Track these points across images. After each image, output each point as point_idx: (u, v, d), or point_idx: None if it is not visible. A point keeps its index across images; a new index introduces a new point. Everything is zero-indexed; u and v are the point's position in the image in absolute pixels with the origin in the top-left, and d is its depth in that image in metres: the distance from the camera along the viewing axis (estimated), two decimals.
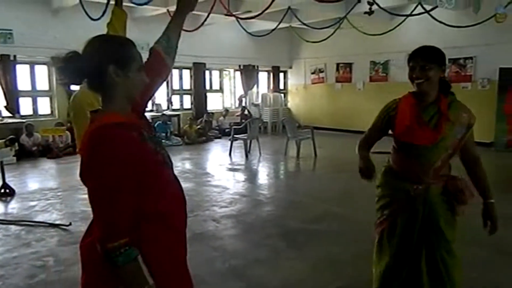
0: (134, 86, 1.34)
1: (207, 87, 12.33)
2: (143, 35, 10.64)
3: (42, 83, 9.76)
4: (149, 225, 1.31)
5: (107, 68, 1.28)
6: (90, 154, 1.25)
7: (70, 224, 4.38)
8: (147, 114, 4.82)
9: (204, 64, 11.72)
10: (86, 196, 4.35)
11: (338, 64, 12.39)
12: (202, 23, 8.92)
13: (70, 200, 5.43)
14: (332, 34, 9.63)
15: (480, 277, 3.19)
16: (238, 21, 8.99)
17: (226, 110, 12.55)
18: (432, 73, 1.97)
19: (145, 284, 1.24)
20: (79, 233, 4.16)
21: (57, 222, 4.50)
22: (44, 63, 9.63)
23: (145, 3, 6.88)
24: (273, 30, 9.66)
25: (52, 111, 9.86)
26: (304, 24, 9.57)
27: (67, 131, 9.18)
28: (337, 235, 4.11)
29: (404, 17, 8.49)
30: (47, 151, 8.69)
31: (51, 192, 5.84)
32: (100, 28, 9.62)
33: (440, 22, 8.08)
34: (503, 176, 7.29)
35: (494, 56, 9.05)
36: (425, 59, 1.99)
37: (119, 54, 1.31)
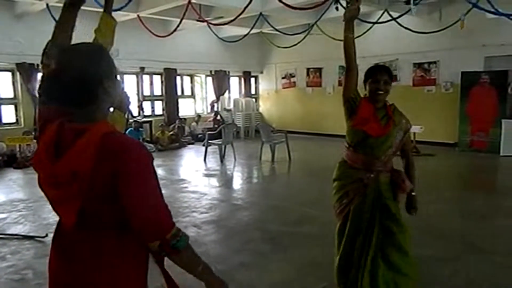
0: (117, 91, 1.33)
1: (179, 92, 12.24)
2: (116, 41, 10.51)
3: (7, 91, 9.38)
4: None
5: (102, 80, 1.22)
6: (121, 161, 1.18)
7: (46, 235, 4.23)
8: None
9: (175, 69, 11.63)
10: None
11: (308, 69, 12.62)
12: (175, 30, 8.89)
13: (42, 211, 5.24)
14: (302, 39, 9.82)
15: (451, 274, 3.34)
16: (209, 26, 9.01)
17: (199, 116, 12.49)
18: (389, 87, 2.48)
19: (200, 262, 1.30)
20: None
21: (32, 234, 4.34)
22: (8, 70, 9.27)
23: (118, 9, 6.77)
24: (245, 36, 9.74)
25: (17, 120, 9.49)
26: (276, 29, 9.71)
27: (34, 140, 8.86)
28: (318, 237, 4.19)
29: (371, 24, 8.80)
30: (13, 161, 8.34)
31: (22, 203, 5.63)
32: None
33: (406, 28, 8.43)
34: (467, 175, 7.68)
35: (456, 61, 9.52)
36: (388, 75, 2.48)
37: (107, 64, 1.27)
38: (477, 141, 9.12)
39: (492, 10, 7.03)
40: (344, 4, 5.59)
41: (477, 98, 9.05)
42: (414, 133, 8.98)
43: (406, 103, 9.77)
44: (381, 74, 2.46)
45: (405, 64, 10.51)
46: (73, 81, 1.18)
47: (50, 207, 4.15)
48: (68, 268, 1.27)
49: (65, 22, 1.62)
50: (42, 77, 1.30)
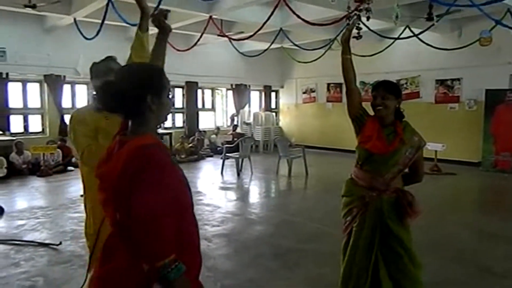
0: (166, 111, 1.45)
1: (199, 105, 12.40)
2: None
3: (34, 101, 9.74)
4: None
5: (145, 97, 1.35)
6: (137, 176, 1.24)
7: (60, 243, 4.33)
8: None
9: (197, 83, 11.82)
10: (77, 215, 4.34)
11: (328, 84, 12.58)
12: (195, 43, 9.06)
13: (60, 219, 5.37)
14: (322, 55, 9.83)
15: None
16: (230, 41, 9.14)
17: (218, 128, 12.60)
18: (389, 102, 2.43)
19: None
20: (69, 252, 4.13)
21: (47, 242, 4.44)
22: (36, 81, 9.64)
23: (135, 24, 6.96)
24: (265, 50, 9.83)
25: (43, 129, 9.82)
26: (295, 45, 9.76)
27: (58, 149, 9.13)
28: (329, 255, 4.10)
29: (393, 40, 8.72)
30: (37, 169, 8.60)
31: (41, 211, 5.78)
32: (93, 46, 9.69)
33: (428, 44, 8.32)
34: (488, 196, 7.42)
35: (480, 78, 9.29)
36: (385, 90, 2.44)
37: (155, 84, 1.39)
38: (501, 161, 8.82)
39: None
40: (364, 20, 5.59)
41: (502, 116, 8.79)
42: (436, 151, 8.77)
43: (429, 120, 9.72)
44: (377, 90, 2.47)
45: (427, 80, 10.33)
46: (116, 93, 1.33)
47: (68, 215, 4.28)
48: (101, 268, 1.38)
49: (157, 50, 1.93)
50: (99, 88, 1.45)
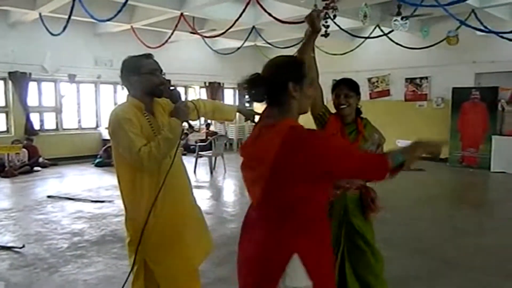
0: (308, 98, 1.56)
1: None
2: (107, 51, 10.60)
3: None
4: None
5: (288, 85, 1.48)
6: (316, 146, 1.42)
7: (24, 246, 4.18)
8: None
9: (169, 80, 11.65)
10: (42, 216, 4.23)
11: None
12: (166, 40, 8.94)
13: (24, 221, 5.18)
14: (295, 53, 9.87)
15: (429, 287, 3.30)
16: (203, 38, 9.06)
17: (191, 127, 12.46)
18: (351, 100, 2.46)
19: None
20: (33, 255, 3.99)
21: (9, 245, 4.27)
22: (0, 78, 9.27)
23: (108, 20, 6.80)
24: (238, 48, 9.80)
25: (8, 128, 9.45)
26: (268, 43, 9.77)
27: (23, 149, 8.82)
28: None
29: (363, 39, 8.87)
30: (1, 170, 8.28)
31: (4, 213, 5.55)
32: (61, 42, 9.42)
33: (397, 43, 8.50)
34: (455, 191, 7.66)
35: (447, 76, 9.58)
36: (348, 88, 2.46)
37: (297, 72, 1.52)
38: (467, 156, 9.13)
39: (481, 27, 7.11)
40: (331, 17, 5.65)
41: (468, 114, 9.09)
42: None
43: (398, 117, 9.95)
44: (340, 88, 2.47)
45: (397, 79, 10.57)
46: (263, 83, 1.50)
47: (32, 217, 4.13)
48: (248, 243, 1.54)
49: (305, 48, 2.03)
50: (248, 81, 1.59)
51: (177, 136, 2.01)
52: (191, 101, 2.31)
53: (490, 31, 7.16)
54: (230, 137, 12.38)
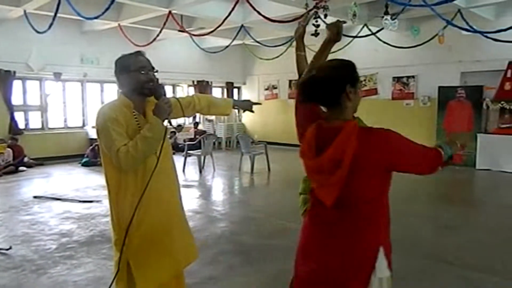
0: (359, 100, 1.64)
1: None
2: (93, 49, 10.46)
3: None
4: None
5: (344, 87, 1.56)
6: (390, 142, 1.55)
7: (10, 248, 4.11)
8: None
9: (157, 79, 11.54)
10: (28, 217, 4.15)
11: (290, 81, 12.71)
12: (154, 39, 8.87)
13: (10, 222, 5.09)
14: (284, 52, 9.91)
15: (415, 286, 3.34)
16: (191, 37, 9.01)
17: (179, 126, 12.41)
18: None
19: None
20: (20, 257, 3.92)
21: None
22: None
23: (96, 17, 6.71)
24: (227, 47, 9.78)
25: None
26: (257, 41, 9.77)
27: (8, 148, 8.67)
28: (291, 250, 4.11)
29: (351, 38, 8.93)
30: None
31: None
32: (46, 40, 9.27)
33: (385, 42, 8.58)
34: (441, 188, 7.77)
35: (433, 75, 9.71)
36: None
37: (352, 75, 1.61)
38: (453, 154, 9.25)
39: (467, 27, 7.23)
40: (323, 17, 5.69)
41: (454, 112, 9.23)
42: None
43: (386, 116, 10.03)
44: None
45: (384, 77, 10.67)
46: (320, 84, 1.57)
47: (19, 218, 4.01)
48: (325, 240, 1.62)
49: (321, 54, 2.03)
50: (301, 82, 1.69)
51: (157, 134, 1.94)
52: (174, 98, 2.24)
53: (475, 31, 7.28)
54: (219, 135, 12.35)
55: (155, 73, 2.11)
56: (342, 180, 1.50)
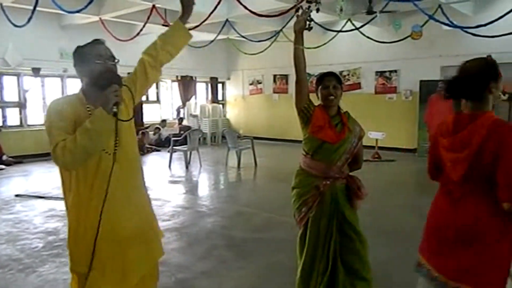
0: (499, 94, 1.85)
1: (143, 98, 11.98)
2: (73, 44, 10.17)
3: None
4: None
5: (489, 83, 1.81)
6: (503, 141, 1.72)
7: None
8: None
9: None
10: (11, 216, 4.08)
11: (275, 76, 12.72)
12: (138, 33, 8.73)
13: None
14: (269, 46, 9.91)
15: (399, 276, 3.36)
16: None
17: (163, 121, 12.29)
18: (339, 92, 2.53)
19: None
20: (6, 256, 3.83)
21: None
22: None
23: (77, 11, 6.56)
24: (212, 41, 9.70)
25: None
26: (242, 36, 9.73)
27: None
28: (282, 242, 4.18)
29: (336, 32, 8.99)
30: None
31: None
32: (24, 34, 9.01)
33: (368, 37, 8.68)
34: (425, 180, 7.91)
35: (415, 70, 9.88)
36: (337, 81, 2.54)
37: (495, 72, 1.83)
38: None
39: (447, 22, 7.38)
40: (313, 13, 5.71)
41: (435, 106, 9.36)
42: (377, 140, 9.22)
43: (369, 110, 10.16)
44: (329, 79, 2.52)
45: (368, 72, 10.80)
46: (468, 83, 1.82)
47: (1, 217, 3.91)
48: (453, 210, 1.87)
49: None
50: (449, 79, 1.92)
51: (98, 126, 1.69)
52: (126, 85, 1.87)
53: (455, 26, 7.43)
54: (203, 131, 12.29)
55: (116, 64, 1.88)
56: (468, 159, 1.77)
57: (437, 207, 2.03)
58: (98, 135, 1.71)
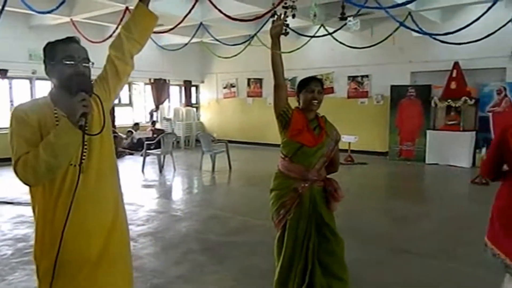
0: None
1: (115, 101, 11.76)
2: (43, 45, 9.89)
3: None
4: None
5: None
6: None
7: None
8: None
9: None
10: None
11: (249, 80, 12.78)
12: (111, 35, 8.58)
13: None
14: (243, 50, 9.95)
15: (373, 277, 3.50)
16: None
17: (136, 124, 12.11)
18: (322, 97, 2.58)
19: None
20: None
21: None
22: None
23: (48, 12, 6.40)
24: (186, 44, 9.66)
25: None
26: (216, 39, 9.74)
27: None
28: (257, 245, 4.21)
29: (309, 38, 9.14)
30: None
31: None
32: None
33: (341, 43, 8.87)
34: (395, 182, 8.18)
35: (386, 75, 10.16)
36: (321, 85, 2.60)
37: None
38: (405, 150, 9.77)
39: (417, 29, 7.64)
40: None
41: (405, 110, 9.71)
42: (349, 143, 9.41)
43: (342, 114, 10.34)
44: (316, 84, 2.57)
45: (340, 77, 11.02)
46: None
47: None
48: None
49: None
50: None
51: (63, 140, 1.52)
52: (95, 94, 1.68)
53: (424, 33, 7.71)
54: (177, 134, 12.18)
55: (90, 66, 1.72)
56: None
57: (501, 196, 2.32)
58: (62, 150, 1.53)
